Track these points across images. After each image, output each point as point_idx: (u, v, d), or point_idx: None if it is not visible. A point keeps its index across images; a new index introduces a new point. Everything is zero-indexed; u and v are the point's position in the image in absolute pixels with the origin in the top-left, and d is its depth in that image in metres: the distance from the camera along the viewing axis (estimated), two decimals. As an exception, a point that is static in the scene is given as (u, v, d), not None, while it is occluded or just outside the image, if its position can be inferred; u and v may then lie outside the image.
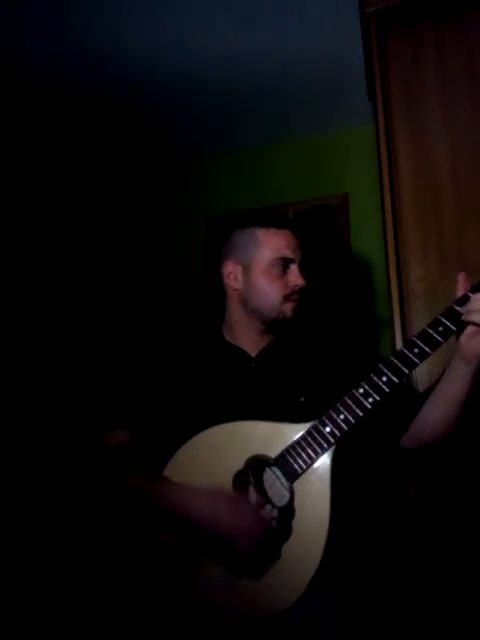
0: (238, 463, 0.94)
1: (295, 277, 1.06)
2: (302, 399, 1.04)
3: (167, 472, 0.98)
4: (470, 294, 0.86)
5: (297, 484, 0.91)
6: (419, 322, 1.25)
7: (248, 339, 1.11)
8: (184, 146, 2.36)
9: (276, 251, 1.06)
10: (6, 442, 1.99)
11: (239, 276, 1.09)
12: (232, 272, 1.10)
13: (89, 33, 1.63)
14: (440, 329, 0.86)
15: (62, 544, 1.82)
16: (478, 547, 1.14)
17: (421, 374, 1.24)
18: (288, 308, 1.06)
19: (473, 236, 1.26)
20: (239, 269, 1.09)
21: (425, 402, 1.01)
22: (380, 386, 0.89)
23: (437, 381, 0.99)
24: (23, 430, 2.06)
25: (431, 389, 1.02)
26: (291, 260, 1.07)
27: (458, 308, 0.86)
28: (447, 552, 1.18)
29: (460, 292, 0.88)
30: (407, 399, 1.06)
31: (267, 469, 0.95)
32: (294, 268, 1.07)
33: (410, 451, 1.07)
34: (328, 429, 0.91)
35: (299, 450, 0.91)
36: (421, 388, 1.21)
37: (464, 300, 0.86)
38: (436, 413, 0.98)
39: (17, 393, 2.11)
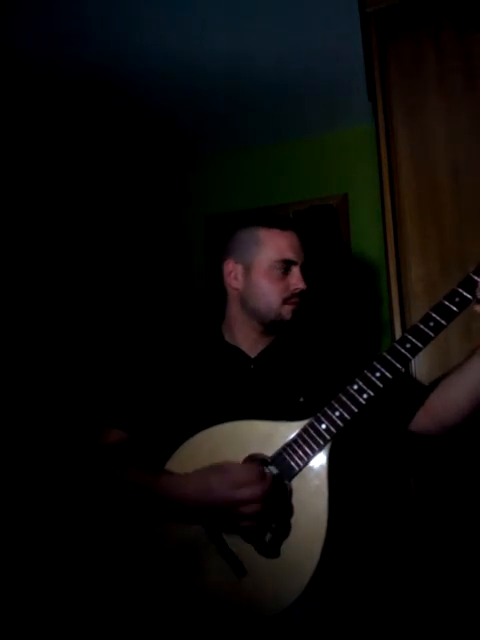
0: (236, 462, 0.93)
1: (296, 280, 1.05)
2: (301, 399, 1.04)
3: (165, 471, 0.98)
4: (459, 289, 0.86)
5: (295, 482, 0.91)
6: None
7: (247, 339, 1.11)
8: (184, 146, 2.36)
9: (278, 252, 1.04)
10: (4, 441, 1.98)
11: (239, 276, 1.08)
12: (232, 271, 1.09)
13: (91, 32, 1.64)
14: (431, 324, 0.87)
15: (62, 543, 1.82)
16: (478, 540, 1.14)
17: (420, 372, 1.24)
18: (287, 311, 1.05)
19: (473, 236, 1.26)
20: (240, 268, 1.08)
21: (449, 383, 0.99)
22: (374, 382, 0.90)
23: (465, 361, 0.97)
24: (22, 428, 2.06)
25: (443, 376, 1.02)
26: (293, 262, 1.05)
27: (447, 303, 0.87)
28: (447, 546, 1.18)
29: None
30: (407, 391, 1.06)
31: (264, 468, 0.95)
32: (296, 271, 1.05)
33: (414, 440, 1.07)
34: (324, 426, 0.91)
35: (296, 448, 0.92)
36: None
37: (453, 295, 0.87)
38: (462, 397, 0.97)
39: (16, 391, 2.11)
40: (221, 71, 1.82)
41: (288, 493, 0.91)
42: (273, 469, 0.93)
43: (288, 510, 0.90)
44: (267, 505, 0.86)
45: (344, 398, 0.91)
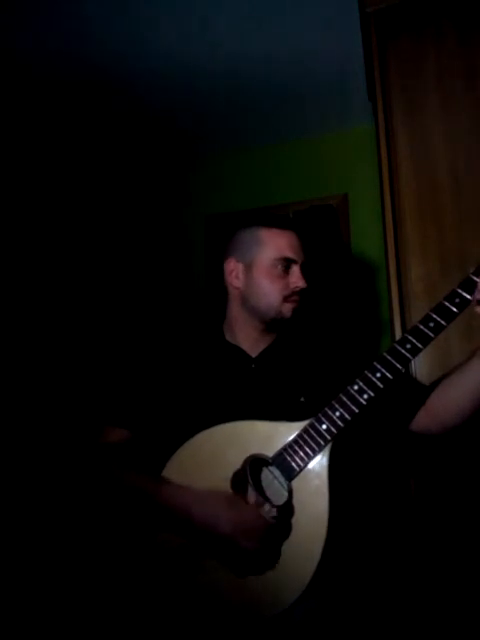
0: (237, 463, 0.94)
1: (296, 278, 1.06)
2: (302, 399, 1.04)
3: (166, 472, 0.98)
4: (459, 289, 0.87)
5: (295, 482, 0.91)
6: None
7: (248, 339, 1.11)
8: (184, 146, 2.36)
9: (278, 251, 1.06)
10: (5, 440, 1.98)
11: (240, 274, 1.09)
12: (234, 270, 1.10)
13: (91, 32, 1.64)
14: (431, 325, 0.88)
15: (62, 544, 1.82)
16: (478, 540, 1.15)
17: (421, 372, 1.25)
18: (287, 309, 1.06)
19: (473, 236, 1.26)
20: (241, 267, 1.09)
21: (450, 383, 0.99)
22: (374, 382, 0.90)
23: (466, 361, 0.97)
24: (22, 427, 2.06)
25: (444, 376, 1.02)
26: (293, 261, 1.06)
27: (448, 303, 0.87)
28: (447, 546, 1.18)
29: None
30: (408, 391, 1.06)
31: (265, 468, 0.95)
32: (296, 269, 1.06)
33: (414, 440, 1.07)
34: (324, 426, 0.91)
35: (296, 448, 0.92)
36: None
37: (453, 296, 0.87)
38: (463, 397, 0.97)
39: (17, 390, 2.11)
40: (221, 71, 1.82)
41: (289, 493, 0.91)
42: (274, 469, 0.93)
43: (289, 510, 0.90)
44: (266, 544, 0.88)
45: (344, 398, 0.91)
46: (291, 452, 0.92)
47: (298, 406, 1.02)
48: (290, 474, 0.91)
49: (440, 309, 0.87)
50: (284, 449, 0.92)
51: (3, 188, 2.28)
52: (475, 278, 0.86)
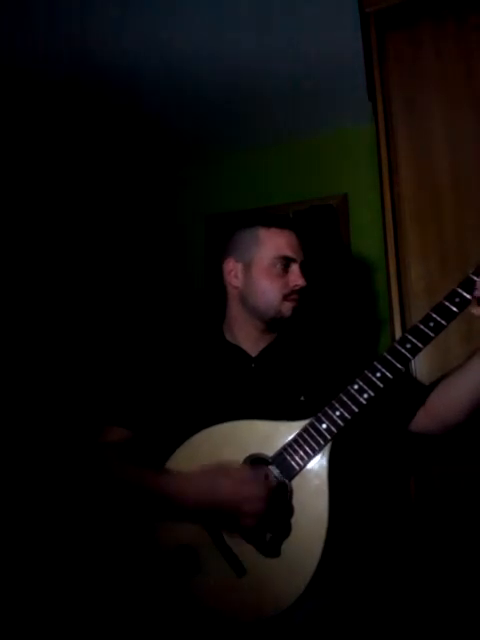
0: (236, 462, 0.94)
1: (295, 277, 1.06)
2: (302, 398, 1.04)
3: (166, 470, 0.98)
4: (459, 289, 0.87)
5: (295, 482, 0.91)
6: (419, 321, 1.24)
7: (248, 338, 1.11)
8: (184, 146, 2.36)
9: (277, 250, 1.06)
10: (5, 439, 1.98)
11: (239, 274, 1.10)
12: (233, 270, 1.11)
13: (87, 32, 1.64)
14: (431, 324, 0.88)
15: (61, 541, 1.82)
16: (478, 540, 1.15)
17: (421, 372, 1.24)
18: (287, 308, 1.06)
19: (473, 236, 1.26)
20: (240, 267, 1.10)
21: (450, 383, 0.99)
22: (374, 382, 0.90)
23: (466, 361, 0.97)
24: (23, 427, 2.06)
25: (443, 377, 1.02)
26: (292, 260, 1.07)
27: (447, 303, 0.87)
28: (447, 546, 1.18)
29: None
30: (408, 391, 1.06)
31: (264, 468, 0.95)
32: (295, 268, 1.07)
33: (414, 440, 1.07)
34: (324, 426, 0.91)
35: (296, 448, 0.92)
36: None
37: (453, 296, 0.87)
38: (464, 397, 0.97)
39: (17, 390, 2.11)
40: (221, 71, 1.82)
41: (289, 493, 0.91)
42: (274, 469, 0.93)
43: (288, 510, 0.90)
44: (270, 505, 0.87)
45: (345, 398, 0.91)
46: (291, 451, 0.92)
47: (298, 405, 1.02)
48: (290, 474, 0.91)
49: (440, 309, 0.88)
50: (284, 448, 0.93)
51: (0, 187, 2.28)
52: (475, 278, 0.86)
